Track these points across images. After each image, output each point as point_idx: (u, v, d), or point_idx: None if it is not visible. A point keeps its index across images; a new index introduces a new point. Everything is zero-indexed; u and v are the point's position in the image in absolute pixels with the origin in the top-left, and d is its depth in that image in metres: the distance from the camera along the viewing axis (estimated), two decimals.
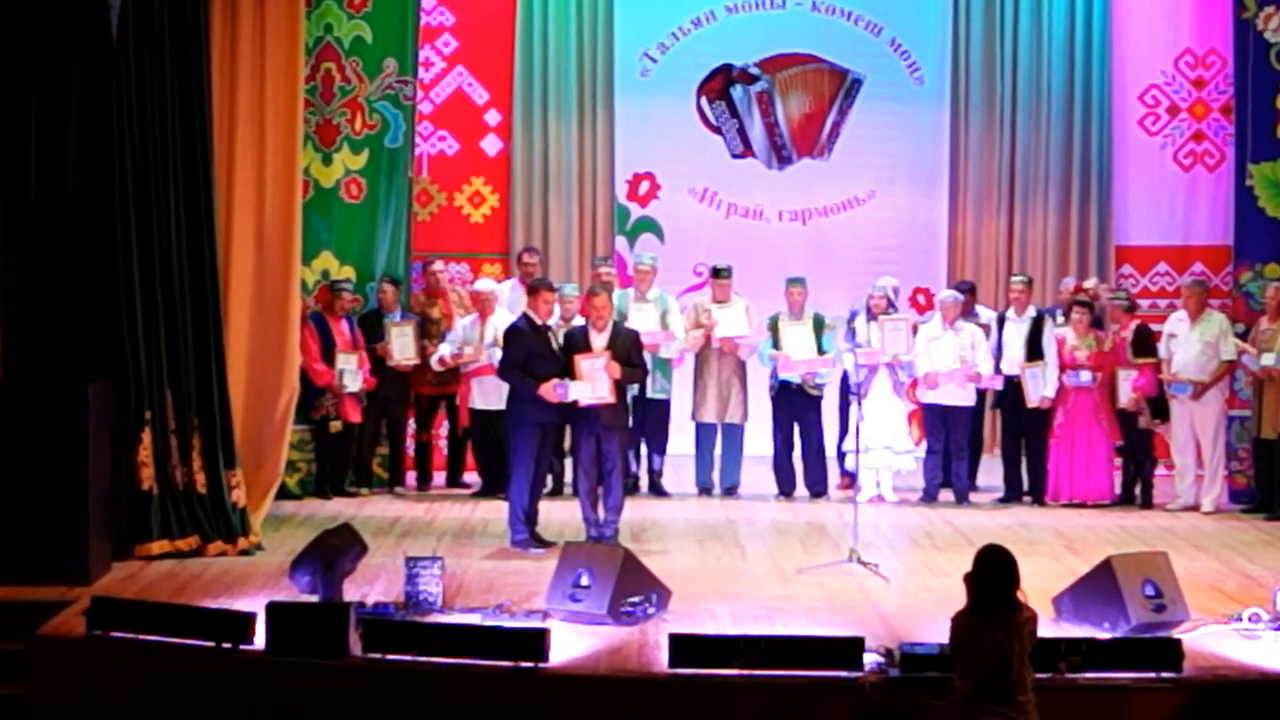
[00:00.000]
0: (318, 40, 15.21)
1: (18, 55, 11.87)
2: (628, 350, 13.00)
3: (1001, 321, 15.39)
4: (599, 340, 12.96)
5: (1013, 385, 15.09)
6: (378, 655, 9.41)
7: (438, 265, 16.07)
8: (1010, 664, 7.90)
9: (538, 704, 9.18)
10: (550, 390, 12.64)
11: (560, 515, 13.83)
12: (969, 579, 8.14)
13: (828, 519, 14.16)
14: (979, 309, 15.75)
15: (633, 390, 15.04)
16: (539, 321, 12.99)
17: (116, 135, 12.13)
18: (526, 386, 12.75)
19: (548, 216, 17.48)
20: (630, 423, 13.88)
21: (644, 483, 15.41)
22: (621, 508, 13.01)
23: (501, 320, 14.32)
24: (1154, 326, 15.39)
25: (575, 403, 12.77)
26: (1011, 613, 8.01)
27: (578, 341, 12.99)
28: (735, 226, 17.80)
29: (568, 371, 12.77)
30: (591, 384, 12.75)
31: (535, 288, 13.19)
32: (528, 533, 12.77)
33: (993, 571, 8.07)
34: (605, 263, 16.09)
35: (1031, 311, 15.27)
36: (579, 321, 14.59)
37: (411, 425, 15.78)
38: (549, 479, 15.17)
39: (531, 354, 12.81)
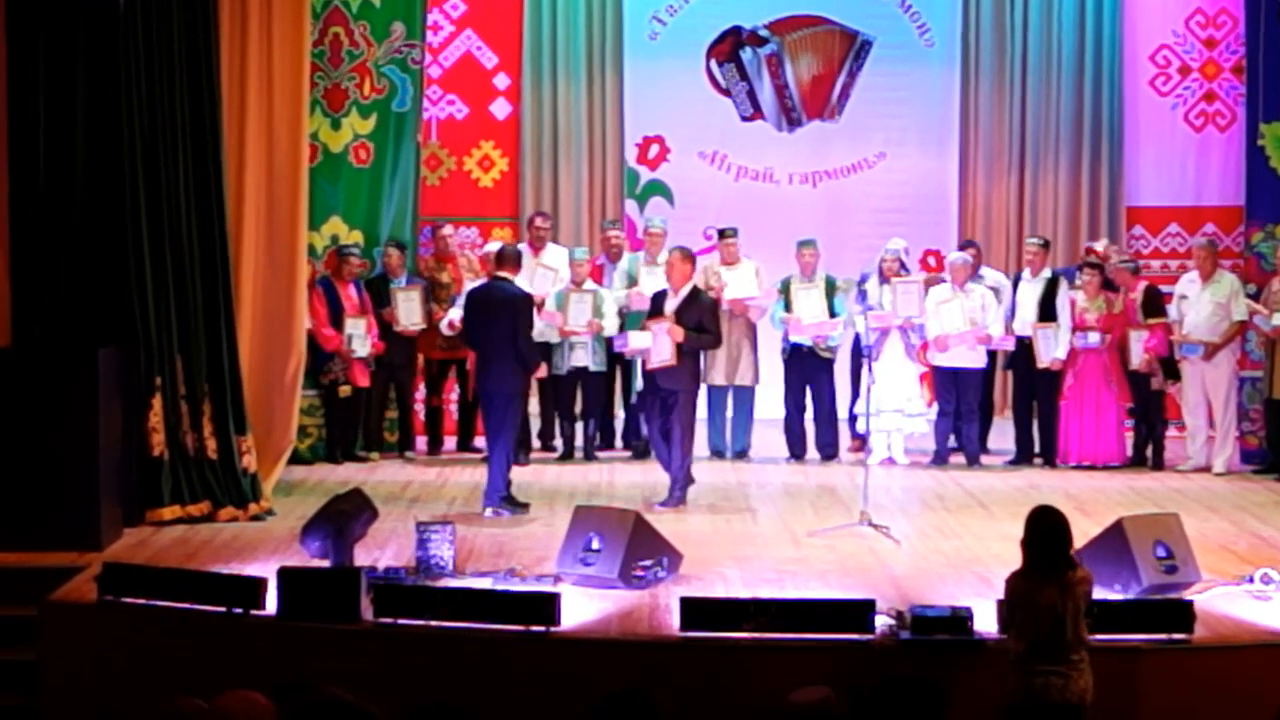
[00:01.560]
0: (325, 4, 15.18)
1: (26, 22, 11.84)
2: (700, 316, 13.14)
3: (1017, 282, 15.36)
4: (671, 303, 13.19)
5: (1025, 347, 15.06)
6: (389, 620, 9.42)
7: (447, 230, 16.04)
8: (1064, 624, 7.91)
9: (549, 668, 9.18)
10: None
11: (571, 479, 13.93)
12: (1023, 541, 8.15)
13: (839, 482, 14.15)
14: (984, 270, 15.68)
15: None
16: None
17: (124, 101, 12.10)
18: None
19: (557, 180, 17.46)
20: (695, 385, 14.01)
21: None
22: (684, 471, 13.16)
23: None
24: (1165, 288, 15.35)
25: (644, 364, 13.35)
26: (1065, 572, 8.01)
27: (658, 305, 13.33)
28: (745, 189, 17.76)
29: None
30: (654, 344, 13.05)
31: (511, 258, 13.22)
32: (500, 499, 12.81)
33: (1046, 532, 8.10)
34: (615, 226, 16.09)
35: (1046, 273, 15.22)
36: (590, 285, 14.78)
37: (422, 390, 15.78)
38: (560, 443, 15.28)
39: None
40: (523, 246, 15.64)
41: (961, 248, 15.72)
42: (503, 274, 13.06)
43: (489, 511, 12.63)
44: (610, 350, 15.03)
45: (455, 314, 14.89)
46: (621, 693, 6.28)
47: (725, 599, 9.73)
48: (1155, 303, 14.94)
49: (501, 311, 12.85)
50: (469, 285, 15.08)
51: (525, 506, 12.80)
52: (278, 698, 6.31)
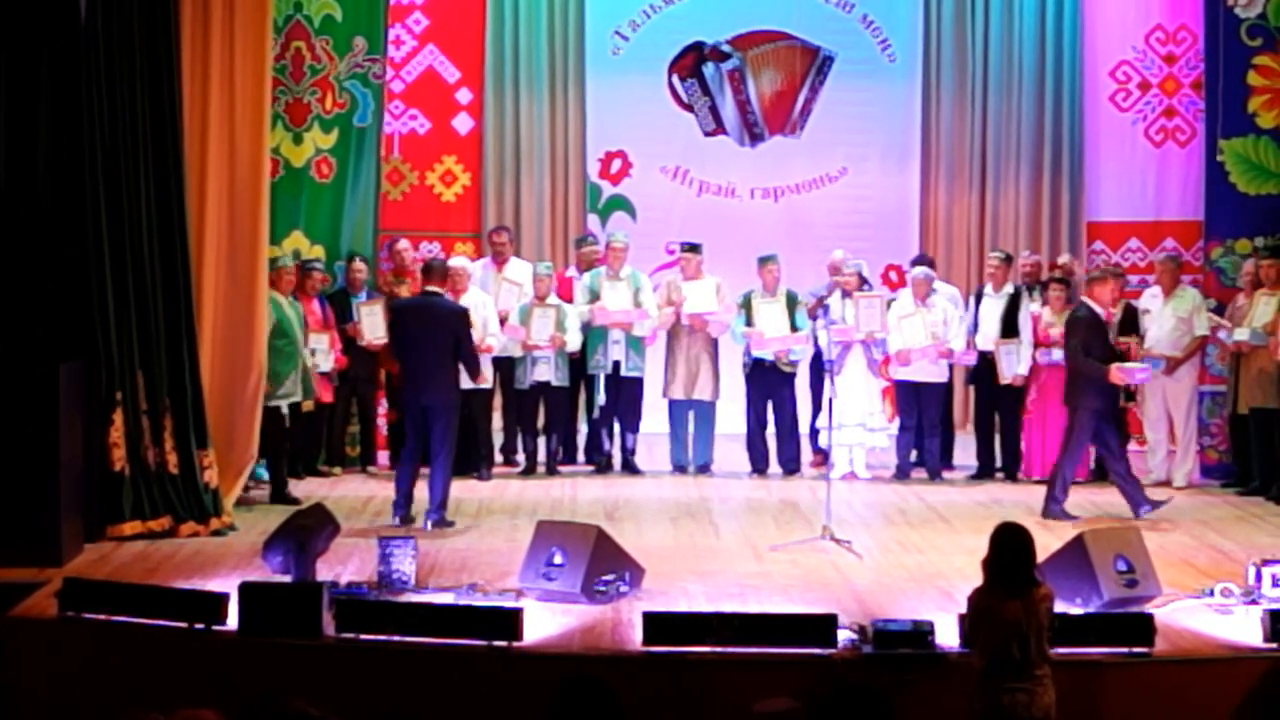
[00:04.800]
0: (287, 19, 15.16)
1: None
2: None
3: (979, 297, 15.39)
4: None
5: (987, 362, 15.08)
6: (351, 635, 9.39)
7: (403, 244, 16.01)
8: (1027, 640, 7.91)
9: (511, 682, 9.16)
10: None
11: (533, 494, 13.93)
12: (986, 558, 8.15)
13: (801, 496, 14.16)
14: (938, 285, 15.64)
15: (606, 368, 15.09)
16: None
17: (86, 115, 12.06)
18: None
19: (519, 195, 17.47)
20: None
21: (617, 461, 15.39)
22: None
23: (474, 299, 14.30)
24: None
25: None
26: (1028, 589, 8.02)
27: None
28: (707, 204, 17.79)
29: None
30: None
31: (439, 272, 13.29)
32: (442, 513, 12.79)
33: (1011, 549, 8.08)
34: (589, 242, 16.11)
35: (1009, 288, 15.25)
36: (554, 300, 14.76)
37: (384, 404, 15.75)
38: (523, 458, 15.26)
39: None
40: (485, 261, 15.73)
41: (915, 263, 15.72)
42: (432, 288, 13.04)
43: (430, 525, 12.60)
44: (572, 365, 15.08)
45: None
46: (577, 680, 6.30)
47: (688, 613, 9.71)
48: (1131, 321, 14.92)
49: (441, 325, 12.79)
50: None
51: (452, 524, 12.79)
52: (250, 711, 6.30)
